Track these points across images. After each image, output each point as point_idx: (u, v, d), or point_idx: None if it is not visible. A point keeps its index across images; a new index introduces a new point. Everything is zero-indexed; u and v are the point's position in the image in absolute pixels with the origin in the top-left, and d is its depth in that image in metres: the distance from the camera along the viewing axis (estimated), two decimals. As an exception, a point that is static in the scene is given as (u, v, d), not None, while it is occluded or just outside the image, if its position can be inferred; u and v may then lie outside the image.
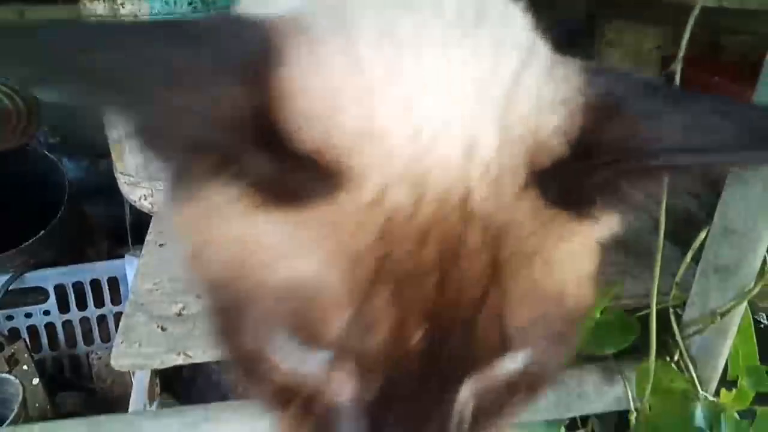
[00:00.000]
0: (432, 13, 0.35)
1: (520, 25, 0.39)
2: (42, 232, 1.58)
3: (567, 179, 0.32)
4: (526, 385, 0.36)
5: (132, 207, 1.60)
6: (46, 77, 0.29)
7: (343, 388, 0.32)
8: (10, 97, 1.71)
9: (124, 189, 1.23)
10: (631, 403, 0.62)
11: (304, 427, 0.35)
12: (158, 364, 0.82)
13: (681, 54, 0.64)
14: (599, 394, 0.64)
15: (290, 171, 0.30)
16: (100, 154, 2.17)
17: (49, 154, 1.71)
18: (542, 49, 0.37)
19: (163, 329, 0.88)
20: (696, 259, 0.67)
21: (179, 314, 0.91)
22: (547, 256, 0.33)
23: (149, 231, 1.23)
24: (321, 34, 0.33)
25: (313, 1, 0.37)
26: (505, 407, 0.36)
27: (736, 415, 0.59)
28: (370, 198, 0.30)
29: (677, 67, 0.62)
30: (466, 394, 0.33)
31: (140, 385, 0.99)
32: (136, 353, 0.82)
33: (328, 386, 0.33)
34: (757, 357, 0.64)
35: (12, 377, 1.30)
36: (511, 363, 0.34)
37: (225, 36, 0.31)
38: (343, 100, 0.31)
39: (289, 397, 0.34)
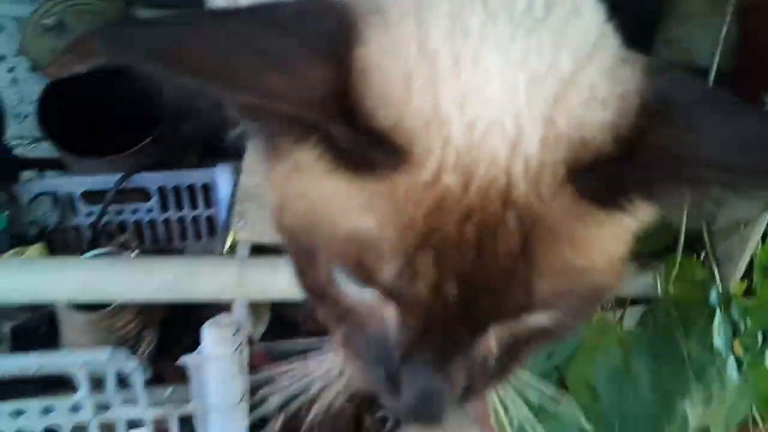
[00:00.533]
0: (503, 4, 0.38)
1: (590, 19, 0.41)
2: (148, 139, 1.80)
3: (607, 175, 0.36)
4: (543, 338, 0.43)
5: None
6: (151, 68, 0.35)
7: (387, 320, 0.40)
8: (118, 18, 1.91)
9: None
10: (659, 289, 0.76)
11: (351, 343, 0.44)
12: (266, 240, 1.01)
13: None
14: (631, 281, 0.78)
15: (363, 144, 0.35)
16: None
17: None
18: (609, 44, 0.40)
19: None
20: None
21: (283, 204, 1.10)
22: (577, 240, 0.37)
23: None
24: (395, 16, 0.37)
25: None
26: (521, 354, 0.43)
27: (745, 301, 0.72)
28: (426, 179, 0.36)
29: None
30: (491, 340, 0.40)
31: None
32: (251, 230, 1.02)
33: (374, 317, 0.40)
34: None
35: (132, 255, 1.55)
36: (534, 321, 0.40)
37: (311, 19, 0.36)
38: (414, 86, 0.35)
39: (344, 318, 0.43)
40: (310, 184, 0.40)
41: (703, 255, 0.78)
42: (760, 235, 0.75)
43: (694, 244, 0.80)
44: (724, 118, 0.36)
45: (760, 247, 0.74)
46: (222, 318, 1.04)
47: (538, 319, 0.40)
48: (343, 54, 0.36)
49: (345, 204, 0.38)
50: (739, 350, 0.72)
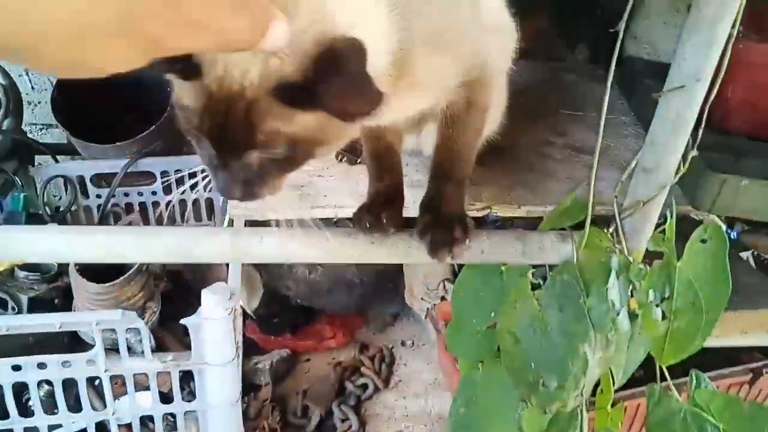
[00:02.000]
0: None
1: None
2: (153, 127, 1.96)
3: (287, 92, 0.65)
4: (285, 163, 0.72)
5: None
6: None
7: (207, 147, 0.71)
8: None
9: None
10: (575, 256, 0.93)
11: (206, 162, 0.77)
12: (259, 216, 1.18)
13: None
14: (554, 249, 0.94)
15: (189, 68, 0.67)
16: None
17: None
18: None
19: (260, 195, 1.23)
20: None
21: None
22: (278, 117, 0.67)
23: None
24: None
25: None
26: (277, 169, 0.72)
27: (640, 266, 0.89)
28: (205, 82, 0.66)
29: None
30: (251, 158, 0.69)
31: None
32: (243, 207, 1.18)
33: (204, 147, 0.73)
34: (673, 236, 0.93)
35: (138, 233, 1.72)
36: (269, 153, 0.69)
37: None
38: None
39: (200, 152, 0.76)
40: (176, 86, 0.74)
41: (612, 228, 0.94)
42: (658, 213, 0.91)
43: (607, 220, 0.96)
44: None
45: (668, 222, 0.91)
46: (218, 285, 1.21)
47: (271, 152, 0.70)
48: None
49: (183, 94, 0.71)
50: (634, 305, 0.89)
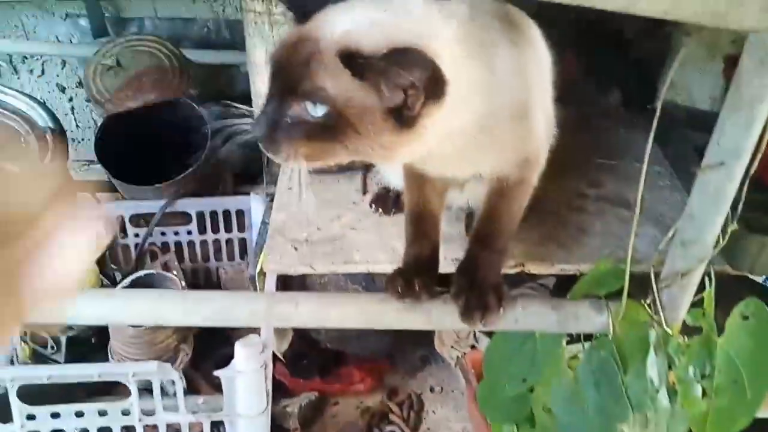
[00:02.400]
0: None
1: None
2: (190, 169, 2.02)
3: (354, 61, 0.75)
4: (316, 132, 0.76)
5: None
6: None
7: None
8: (168, 58, 2.14)
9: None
10: (611, 328, 0.92)
11: None
12: (292, 271, 1.20)
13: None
14: (589, 319, 0.93)
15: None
16: (230, 103, 2.60)
17: (195, 105, 2.11)
18: None
19: (295, 248, 1.25)
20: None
21: (306, 239, 1.28)
22: (333, 76, 0.75)
23: (279, 178, 1.60)
24: None
25: None
26: (305, 130, 0.76)
27: (680, 341, 0.87)
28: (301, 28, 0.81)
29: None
30: (291, 107, 0.75)
31: (271, 286, 1.38)
32: (278, 262, 1.20)
33: None
34: (712, 307, 0.91)
35: (174, 276, 1.76)
36: (312, 109, 0.74)
37: None
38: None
39: None
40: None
41: (650, 299, 0.93)
42: (696, 285, 0.90)
43: (644, 289, 0.95)
44: None
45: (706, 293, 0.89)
46: (251, 338, 1.22)
47: (310, 107, 0.74)
48: None
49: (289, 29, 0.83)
50: (673, 379, 0.87)
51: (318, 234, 1.31)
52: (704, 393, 0.87)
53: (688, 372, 0.86)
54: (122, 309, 0.85)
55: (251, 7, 1.41)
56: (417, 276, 0.95)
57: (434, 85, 0.74)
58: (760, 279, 1.62)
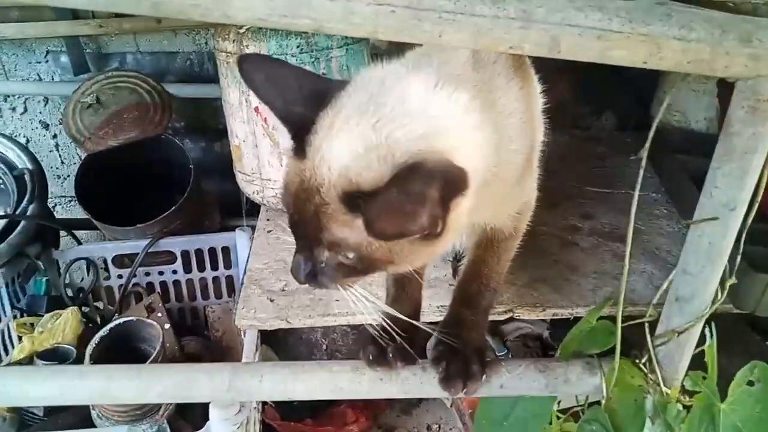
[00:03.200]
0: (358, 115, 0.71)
1: None
2: (174, 207, 1.96)
3: (351, 199, 0.69)
4: (352, 269, 0.74)
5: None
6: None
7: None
8: (149, 93, 2.09)
9: (241, 184, 1.55)
10: (605, 392, 0.85)
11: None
12: (267, 326, 1.13)
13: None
14: (581, 381, 0.86)
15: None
16: (215, 138, 2.56)
17: (177, 141, 2.06)
18: None
19: (271, 300, 1.19)
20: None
21: (283, 290, 1.22)
22: (341, 221, 0.70)
23: (259, 218, 1.55)
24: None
25: None
26: (343, 270, 0.74)
27: (679, 406, 0.80)
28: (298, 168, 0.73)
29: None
30: (321, 253, 0.73)
31: (250, 339, 1.32)
32: (252, 317, 1.14)
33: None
34: (715, 364, 0.84)
35: (154, 322, 1.69)
36: (337, 255, 0.72)
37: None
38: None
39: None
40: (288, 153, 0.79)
41: (645, 358, 0.86)
42: (695, 342, 0.83)
43: (639, 344, 0.88)
44: None
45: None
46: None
47: (341, 255, 0.73)
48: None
49: (287, 168, 0.78)
50: (674, 453, 0.80)
51: (295, 284, 1.24)
52: (707, 464, 0.80)
53: (689, 442, 0.78)
54: (70, 389, 0.78)
55: (222, 48, 1.36)
56: (392, 340, 0.88)
57: (455, 187, 0.66)
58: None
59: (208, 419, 1.82)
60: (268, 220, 1.53)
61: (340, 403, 1.96)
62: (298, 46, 1.30)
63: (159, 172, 2.10)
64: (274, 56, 1.31)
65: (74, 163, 2.58)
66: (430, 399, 2.03)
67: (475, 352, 0.87)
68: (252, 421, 1.30)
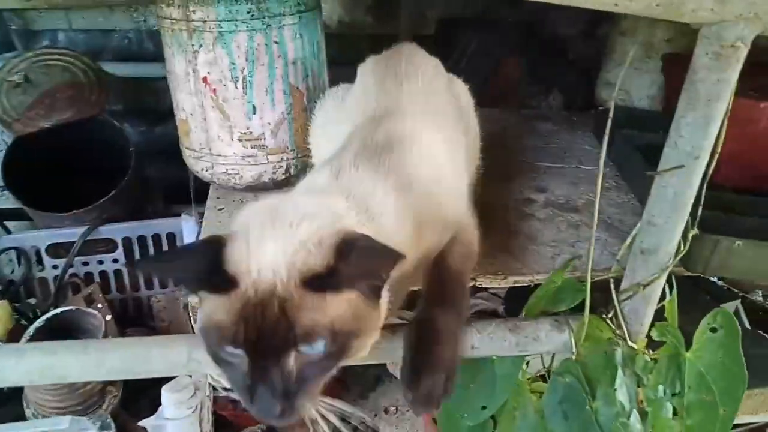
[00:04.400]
0: (277, 225, 0.74)
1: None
2: (113, 191, 1.85)
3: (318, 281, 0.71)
4: (325, 363, 0.72)
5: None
6: None
7: (242, 362, 0.71)
8: (84, 72, 1.96)
9: (189, 161, 1.48)
10: (573, 347, 0.85)
11: (233, 380, 0.73)
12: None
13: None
14: (550, 339, 0.86)
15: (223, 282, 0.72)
16: (156, 120, 2.44)
17: (116, 123, 1.95)
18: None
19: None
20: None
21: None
22: (313, 307, 0.70)
23: (209, 197, 1.47)
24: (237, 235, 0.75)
25: None
26: (316, 374, 0.72)
27: (647, 357, 0.81)
28: (241, 294, 0.71)
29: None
30: (289, 362, 0.70)
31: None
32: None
33: (237, 362, 0.72)
34: (676, 317, 0.86)
35: (96, 312, 1.59)
36: (309, 351, 0.70)
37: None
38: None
39: (227, 367, 0.74)
40: (206, 304, 0.75)
41: (611, 313, 0.86)
42: (659, 295, 0.84)
43: (604, 302, 0.89)
44: None
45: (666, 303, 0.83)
46: (181, 381, 1.09)
47: (310, 349, 0.70)
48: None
49: (215, 309, 0.73)
50: (641, 399, 0.81)
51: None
52: (674, 412, 0.81)
53: (657, 391, 0.79)
54: (10, 368, 0.71)
55: (167, 14, 1.28)
56: None
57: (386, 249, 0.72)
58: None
59: (153, 413, 1.74)
60: (218, 198, 1.46)
61: (296, 390, 1.91)
62: (248, 12, 1.24)
63: (96, 155, 1.98)
64: (223, 23, 1.25)
65: (1, 150, 2.40)
66: (386, 382, 2.02)
67: (449, 373, 0.79)
68: (205, 407, 1.24)
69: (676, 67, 1.54)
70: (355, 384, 1.98)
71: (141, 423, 1.07)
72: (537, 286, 1.15)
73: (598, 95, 2.13)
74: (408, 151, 0.97)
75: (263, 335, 0.69)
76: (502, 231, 1.36)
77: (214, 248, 0.73)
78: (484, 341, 0.85)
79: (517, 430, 0.81)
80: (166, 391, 1.04)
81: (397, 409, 1.93)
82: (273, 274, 0.70)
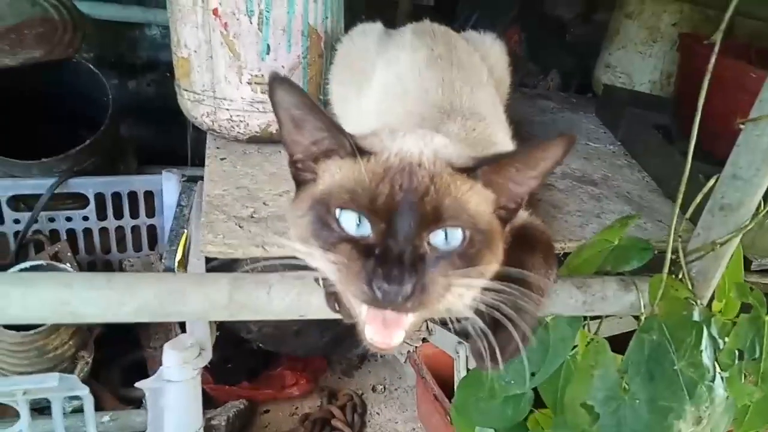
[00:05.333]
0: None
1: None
2: (87, 141, 1.67)
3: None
4: (462, 260, 0.64)
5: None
6: None
7: (368, 233, 0.63)
8: (56, 9, 1.77)
9: (186, 105, 1.34)
10: (642, 308, 0.79)
11: (344, 257, 0.63)
12: (240, 254, 0.96)
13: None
14: (617, 299, 0.80)
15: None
16: (130, 74, 2.25)
17: (94, 68, 1.77)
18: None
19: (240, 227, 1.01)
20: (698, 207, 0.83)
21: (252, 216, 1.05)
22: (460, 190, 0.66)
23: (207, 146, 1.34)
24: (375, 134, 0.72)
25: None
26: (449, 266, 0.63)
27: (723, 319, 0.76)
28: (382, 160, 0.66)
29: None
30: (425, 245, 0.62)
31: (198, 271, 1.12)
32: (221, 243, 0.96)
33: (360, 234, 0.63)
34: (742, 279, 0.81)
35: (68, 267, 1.43)
36: (451, 237, 0.63)
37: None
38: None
39: (340, 242, 0.64)
40: (330, 175, 0.69)
41: (680, 274, 0.81)
42: (731, 255, 0.80)
43: (670, 264, 0.83)
44: None
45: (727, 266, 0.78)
46: (183, 339, 0.97)
47: (446, 239, 0.64)
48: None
49: (347, 174, 0.67)
50: (718, 368, 0.76)
51: (266, 210, 1.07)
52: (745, 378, 0.77)
53: (735, 356, 0.74)
54: (16, 300, 0.58)
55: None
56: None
57: None
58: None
59: (124, 383, 1.60)
60: (218, 148, 1.33)
61: (277, 366, 1.80)
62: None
63: (68, 103, 1.80)
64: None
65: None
66: (372, 359, 1.94)
67: (525, 331, 0.70)
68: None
69: (693, 47, 1.52)
70: (339, 362, 1.89)
71: (138, 384, 0.94)
72: (566, 254, 1.09)
73: (597, 78, 2.10)
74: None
75: (408, 200, 0.62)
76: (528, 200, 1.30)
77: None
78: (549, 298, 0.77)
79: (592, 390, 0.74)
80: (169, 349, 0.91)
81: (384, 387, 1.85)
82: (419, 153, 0.67)
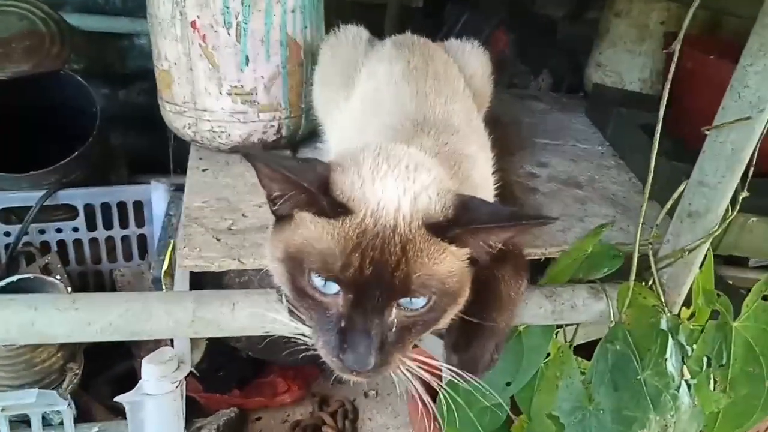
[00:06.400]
0: (395, 164, 0.70)
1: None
2: (76, 152, 1.68)
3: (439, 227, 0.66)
4: (423, 323, 0.67)
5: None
6: None
7: (338, 300, 0.65)
8: (44, 21, 1.78)
9: (169, 117, 1.34)
10: (612, 315, 0.79)
11: (318, 323, 0.67)
12: (216, 267, 0.96)
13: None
14: (587, 307, 0.80)
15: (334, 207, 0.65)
16: (121, 84, 2.26)
17: (81, 80, 1.78)
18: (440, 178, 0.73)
19: (217, 239, 1.02)
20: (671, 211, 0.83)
21: (230, 228, 1.05)
22: (432, 255, 0.65)
23: (190, 157, 1.35)
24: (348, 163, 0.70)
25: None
26: (412, 330, 0.67)
27: (691, 326, 0.76)
28: (358, 222, 0.65)
29: (676, 47, 0.75)
30: (392, 313, 0.65)
31: (182, 285, 1.13)
32: (197, 256, 0.96)
33: (331, 300, 0.65)
34: (713, 285, 0.81)
35: (57, 281, 1.44)
36: (416, 303, 0.65)
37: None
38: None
39: (315, 307, 0.66)
40: (305, 228, 0.68)
41: (651, 281, 0.81)
42: (700, 261, 0.79)
43: (641, 271, 0.83)
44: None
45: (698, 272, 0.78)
46: (163, 352, 0.97)
47: (412, 303, 0.66)
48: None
49: (320, 235, 0.66)
50: (686, 374, 0.76)
51: (244, 222, 1.08)
52: (715, 385, 0.76)
53: (702, 363, 0.74)
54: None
55: (153, -55, 1.15)
56: None
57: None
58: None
59: (114, 394, 1.61)
60: (200, 159, 1.33)
61: (269, 373, 1.81)
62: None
63: (57, 115, 1.81)
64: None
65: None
66: (365, 365, 1.94)
67: (500, 340, 0.75)
68: (181, 388, 1.12)
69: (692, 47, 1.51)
70: (330, 369, 1.90)
71: (118, 399, 0.95)
72: (548, 260, 1.09)
73: (588, 77, 2.10)
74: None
75: (380, 273, 0.63)
76: (510, 204, 1.29)
77: (323, 169, 0.67)
78: (518, 308, 0.78)
79: (558, 402, 0.74)
80: (147, 363, 0.92)
81: (377, 392, 1.85)
82: (395, 210, 0.66)
